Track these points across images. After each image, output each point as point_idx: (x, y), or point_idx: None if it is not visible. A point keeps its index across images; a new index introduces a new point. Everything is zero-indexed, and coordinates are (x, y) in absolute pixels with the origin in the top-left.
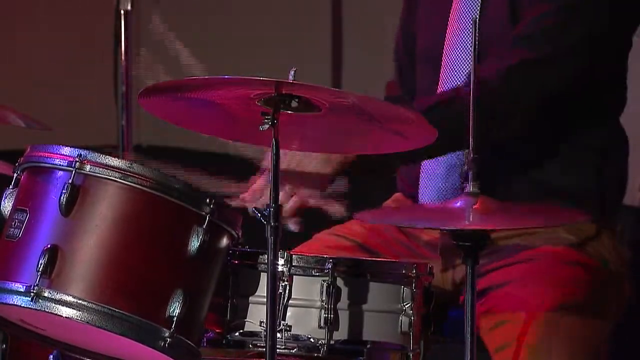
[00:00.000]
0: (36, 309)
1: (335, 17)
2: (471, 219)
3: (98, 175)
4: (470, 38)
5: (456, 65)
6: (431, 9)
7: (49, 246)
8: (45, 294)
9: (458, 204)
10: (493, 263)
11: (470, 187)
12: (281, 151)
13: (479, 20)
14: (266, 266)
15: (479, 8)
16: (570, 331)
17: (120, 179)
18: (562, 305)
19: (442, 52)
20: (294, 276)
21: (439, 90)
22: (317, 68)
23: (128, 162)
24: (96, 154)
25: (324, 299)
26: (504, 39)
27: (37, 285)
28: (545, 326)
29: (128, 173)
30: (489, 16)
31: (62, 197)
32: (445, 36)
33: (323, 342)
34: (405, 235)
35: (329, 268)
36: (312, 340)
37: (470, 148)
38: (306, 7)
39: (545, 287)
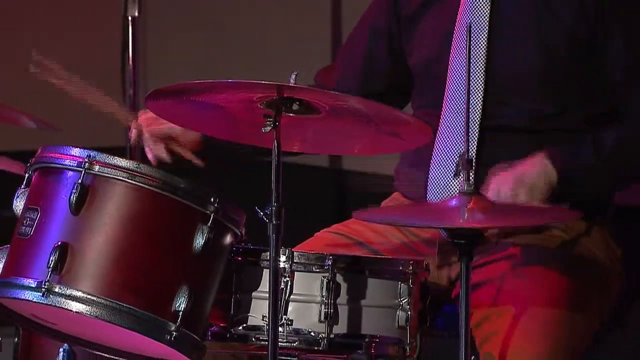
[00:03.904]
0: (47, 304)
1: (335, 23)
2: (466, 217)
3: (106, 175)
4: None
5: (463, 77)
6: (432, 21)
7: (59, 243)
8: (56, 290)
9: (453, 203)
10: (481, 259)
11: (465, 187)
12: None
13: (490, 32)
14: (268, 263)
15: (487, 17)
16: (553, 325)
17: (127, 178)
18: (546, 300)
19: (448, 63)
20: (295, 272)
21: (445, 103)
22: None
23: (135, 163)
24: (105, 154)
25: (324, 294)
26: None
27: (48, 281)
28: (529, 320)
29: (135, 173)
30: (507, 29)
31: (71, 197)
32: (450, 46)
33: (323, 335)
34: (403, 233)
35: (329, 264)
36: (312, 334)
37: (466, 149)
38: (307, 13)
39: (530, 284)
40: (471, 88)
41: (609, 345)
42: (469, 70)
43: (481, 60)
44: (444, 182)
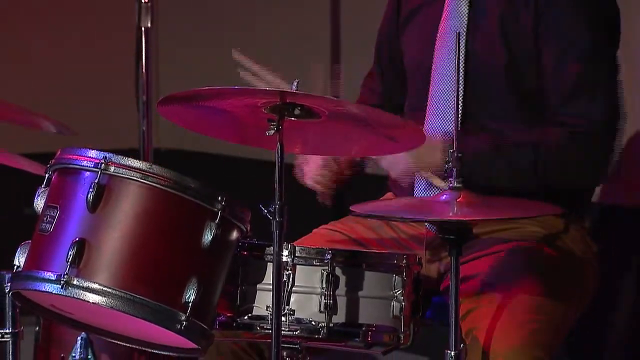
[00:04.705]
0: (66, 296)
1: (334, 34)
2: (455, 211)
3: (121, 175)
4: (455, 51)
5: (446, 79)
6: (421, 22)
7: (77, 239)
8: (74, 282)
9: (443, 198)
10: (468, 256)
11: (454, 183)
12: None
13: (467, 36)
14: (272, 257)
15: (466, 21)
16: (533, 313)
17: (141, 178)
18: (526, 291)
19: (432, 65)
20: (297, 266)
21: (429, 102)
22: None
23: (148, 164)
24: (119, 156)
25: (324, 286)
26: (494, 54)
27: (66, 274)
28: (511, 310)
29: (148, 173)
30: (481, 32)
31: (89, 195)
32: (434, 49)
33: (323, 324)
34: (394, 230)
35: (328, 259)
36: (313, 323)
37: (455, 147)
38: (307, 26)
39: (513, 277)
40: (452, 91)
41: (591, 338)
42: (458, 72)
43: (461, 65)
44: (428, 181)
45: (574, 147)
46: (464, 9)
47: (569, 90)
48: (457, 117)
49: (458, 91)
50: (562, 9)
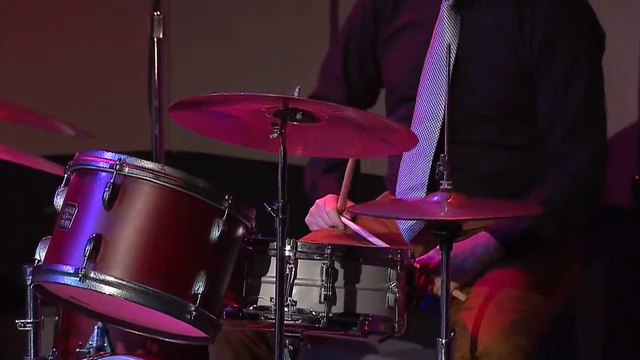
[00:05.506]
0: (83, 288)
1: (334, 37)
2: (446, 211)
3: (135, 175)
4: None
5: (432, 97)
6: (408, 43)
7: (94, 235)
8: (91, 275)
9: (435, 199)
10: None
11: (445, 185)
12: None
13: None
14: (275, 252)
15: (457, 37)
16: (517, 302)
17: (153, 179)
18: (512, 283)
19: (418, 86)
20: (299, 260)
21: (415, 120)
22: None
23: (160, 165)
24: (133, 157)
25: (323, 279)
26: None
27: (84, 267)
28: (498, 299)
29: (160, 174)
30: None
31: (104, 194)
32: (422, 71)
33: (323, 314)
34: (388, 227)
35: (328, 253)
36: (314, 313)
37: (446, 151)
38: (307, 29)
39: (500, 270)
40: (437, 113)
41: (589, 338)
42: (449, 82)
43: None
44: (416, 173)
45: (577, 188)
46: (454, 36)
47: (568, 126)
48: (446, 126)
49: (447, 101)
50: (561, 48)
